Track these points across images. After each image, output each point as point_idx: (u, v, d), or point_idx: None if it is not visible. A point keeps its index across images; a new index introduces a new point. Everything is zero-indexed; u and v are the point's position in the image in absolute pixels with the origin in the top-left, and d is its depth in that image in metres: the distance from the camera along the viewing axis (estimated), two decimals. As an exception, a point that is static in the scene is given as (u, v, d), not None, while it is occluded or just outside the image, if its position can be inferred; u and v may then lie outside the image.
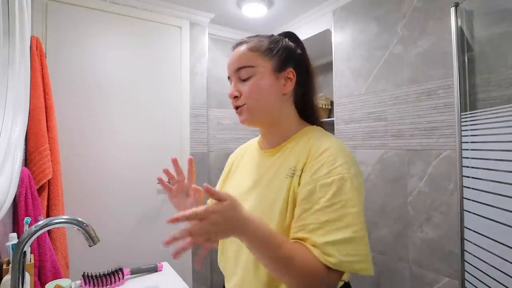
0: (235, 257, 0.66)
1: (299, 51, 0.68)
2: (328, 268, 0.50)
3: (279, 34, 0.70)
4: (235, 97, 0.65)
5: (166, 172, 0.71)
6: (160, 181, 0.70)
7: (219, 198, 0.48)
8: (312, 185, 0.55)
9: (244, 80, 0.64)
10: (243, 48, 0.65)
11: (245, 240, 0.50)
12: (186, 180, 0.71)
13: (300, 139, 0.65)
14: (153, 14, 1.93)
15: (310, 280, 0.50)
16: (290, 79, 0.65)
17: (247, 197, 0.66)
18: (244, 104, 0.64)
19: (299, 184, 0.58)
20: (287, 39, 0.68)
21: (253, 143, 0.79)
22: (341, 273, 0.51)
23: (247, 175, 0.71)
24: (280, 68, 0.64)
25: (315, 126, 0.69)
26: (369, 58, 1.70)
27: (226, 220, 0.48)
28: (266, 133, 0.71)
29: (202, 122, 2.13)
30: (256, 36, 0.67)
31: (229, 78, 0.68)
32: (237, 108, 0.66)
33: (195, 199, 0.70)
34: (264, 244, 0.50)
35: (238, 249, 0.65)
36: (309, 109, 0.70)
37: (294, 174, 0.59)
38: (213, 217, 0.47)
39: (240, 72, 0.64)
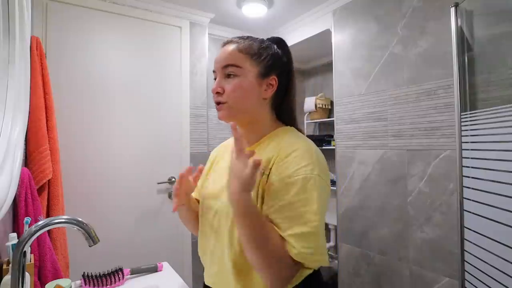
0: (212, 251, 0.69)
1: (284, 59, 0.71)
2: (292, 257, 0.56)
3: (269, 39, 0.73)
4: (218, 92, 0.68)
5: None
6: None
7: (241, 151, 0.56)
8: (278, 183, 0.59)
9: (229, 78, 0.67)
10: (233, 47, 0.67)
11: (240, 208, 0.56)
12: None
13: (273, 139, 0.69)
14: (153, 14, 1.93)
15: (279, 262, 0.56)
16: (272, 85, 0.69)
17: (224, 191, 0.68)
18: (226, 102, 0.67)
19: (267, 182, 0.62)
20: (275, 46, 0.71)
21: (228, 144, 0.82)
22: (300, 264, 0.57)
23: (225, 171, 0.73)
24: (264, 75, 0.68)
25: (288, 127, 0.73)
26: (369, 58, 1.70)
27: (238, 178, 0.55)
28: (243, 132, 0.74)
29: (202, 122, 2.13)
30: (247, 38, 0.70)
31: (214, 72, 0.70)
32: (218, 103, 0.69)
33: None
34: (252, 218, 0.56)
35: (215, 243, 0.68)
36: (286, 114, 0.74)
37: (263, 172, 0.63)
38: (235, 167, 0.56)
39: (227, 69, 0.66)
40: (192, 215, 0.79)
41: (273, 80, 0.69)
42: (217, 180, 0.74)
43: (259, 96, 0.68)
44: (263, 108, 0.70)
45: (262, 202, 0.61)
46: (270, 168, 0.62)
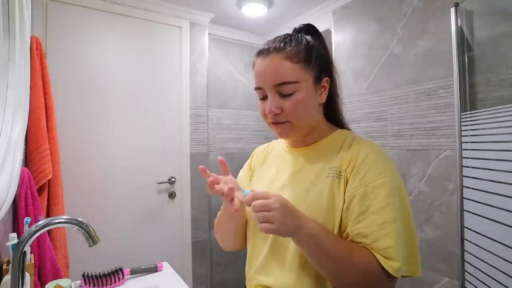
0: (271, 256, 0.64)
1: (322, 51, 0.65)
2: (387, 272, 0.50)
3: (300, 30, 0.66)
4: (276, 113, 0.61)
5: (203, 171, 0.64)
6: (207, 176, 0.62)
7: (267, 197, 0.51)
8: (363, 188, 0.55)
9: (285, 96, 0.60)
10: (280, 56, 0.59)
11: (302, 236, 0.51)
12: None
13: (334, 140, 0.65)
14: (153, 14, 1.93)
15: (368, 278, 0.51)
16: (325, 87, 0.64)
17: (285, 191, 0.65)
18: (287, 121, 0.61)
19: (345, 186, 0.58)
20: (311, 38, 0.64)
21: (277, 143, 0.79)
22: (397, 278, 0.52)
23: (278, 170, 0.70)
24: (318, 79, 0.62)
25: (345, 129, 0.70)
26: (369, 58, 1.70)
27: (287, 212, 0.50)
28: (298, 137, 0.69)
29: (202, 122, 2.13)
30: (285, 40, 0.61)
31: (259, 89, 0.62)
32: (275, 122, 0.62)
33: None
34: (321, 239, 0.51)
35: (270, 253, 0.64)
36: (333, 111, 0.70)
37: (337, 175, 0.59)
38: (276, 205, 0.50)
39: (282, 88, 0.59)
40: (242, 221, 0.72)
41: (326, 81, 0.64)
42: (269, 180, 0.70)
43: (317, 103, 0.63)
44: (319, 113, 0.66)
45: (337, 206, 0.57)
46: (346, 171, 0.58)
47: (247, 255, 0.72)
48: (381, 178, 0.55)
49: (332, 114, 0.70)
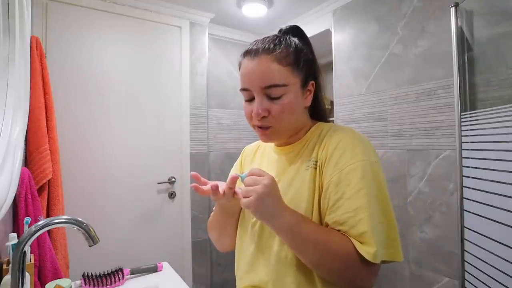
0: (253, 257, 0.65)
1: (309, 55, 0.65)
2: (365, 258, 0.50)
3: (286, 32, 0.66)
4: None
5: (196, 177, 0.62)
6: (196, 188, 0.61)
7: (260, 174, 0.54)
8: (337, 174, 0.55)
9: (273, 98, 0.59)
10: (269, 58, 0.58)
11: (279, 223, 0.52)
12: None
13: (313, 134, 0.66)
14: (153, 14, 1.93)
15: (347, 265, 0.51)
16: (310, 91, 0.64)
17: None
18: (270, 126, 0.61)
19: (321, 175, 0.58)
20: (297, 41, 0.64)
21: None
22: (377, 264, 0.52)
23: (265, 170, 0.71)
24: (305, 83, 0.63)
25: (323, 122, 0.70)
26: (369, 58, 1.70)
27: (272, 191, 0.52)
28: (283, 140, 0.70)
29: (202, 122, 2.13)
30: (274, 42, 0.60)
31: (245, 90, 0.61)
32: (260, 127, 0.61)
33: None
34: (300, 228, 0.52)
35: (257, 250, 0.65)
36: (318, 110, 0.71)
37: (314, 165, 0.59)
38: (265, 181, 0.51)
39: (270, 90, 0.58)
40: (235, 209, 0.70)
41: (311, 85, 0.64)
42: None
43: (302, 107, 0.63)
44: (304, 116, 0.66)
45: (318, 196, 0.58)
46: (321, 160, 0.59)
47: (235, 254, 0.72)
48: (353, 163, 0.54)
49: (318, 115, 0.71)
